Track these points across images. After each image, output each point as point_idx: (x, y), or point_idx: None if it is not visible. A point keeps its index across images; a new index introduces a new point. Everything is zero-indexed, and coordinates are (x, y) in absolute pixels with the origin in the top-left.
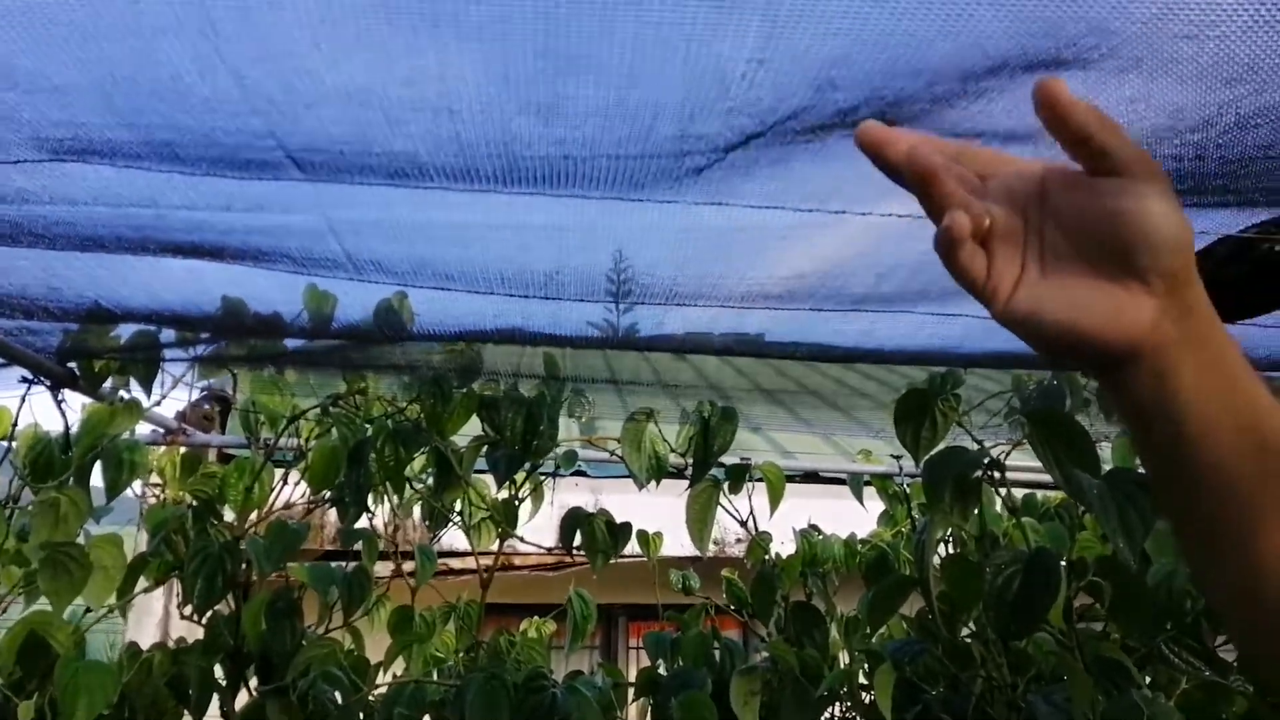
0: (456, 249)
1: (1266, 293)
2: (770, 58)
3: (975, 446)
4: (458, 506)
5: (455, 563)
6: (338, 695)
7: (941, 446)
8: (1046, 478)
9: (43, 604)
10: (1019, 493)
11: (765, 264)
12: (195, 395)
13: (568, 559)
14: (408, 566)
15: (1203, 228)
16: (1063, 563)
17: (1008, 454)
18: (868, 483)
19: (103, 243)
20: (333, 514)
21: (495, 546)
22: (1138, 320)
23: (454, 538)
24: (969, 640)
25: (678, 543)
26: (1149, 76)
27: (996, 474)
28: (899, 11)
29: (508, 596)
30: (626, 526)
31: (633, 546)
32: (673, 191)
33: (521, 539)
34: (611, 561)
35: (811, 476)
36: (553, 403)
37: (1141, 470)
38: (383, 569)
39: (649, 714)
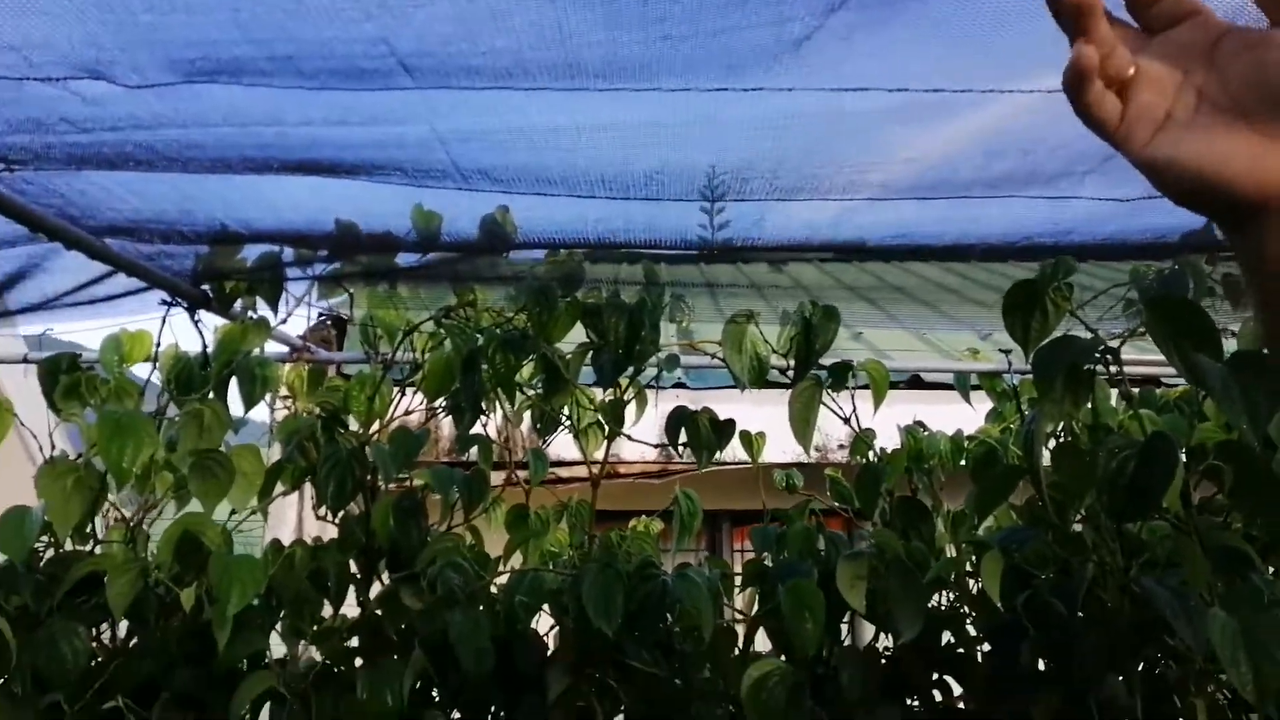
0: (557, 153)
1: None
2: None
3: (1089, 337)
4: (566, 412)
5: (564, 471)
6: (463, 582)
7: (1053, 338)
8: (1165, 370)
9: (193, 508)
10: (1137, 390)
11: (868, 150)
12: (316, 316)
13: (672, 466)
14: (521, 475)
15: None
16: (1181, 452)
17: (1123, 341)
18: (975, 387)
19: (229, 163)
20: (448, 427)
21: (603, 452)
22: (1277, 170)
23: (562, 447)
24: (1080, 528)
25: (780, 449)
26: None
27: (1112, 364)
28: None
29: (615, 503)
30: (730, 423)
31: (737, 453)
32: (773, 73)
33: (629, 437)
34: (716, 467)
35: (916, 382)
36: (653, 308)
37: (1266, 352)
38: (497, 479)
39: (756, 603)
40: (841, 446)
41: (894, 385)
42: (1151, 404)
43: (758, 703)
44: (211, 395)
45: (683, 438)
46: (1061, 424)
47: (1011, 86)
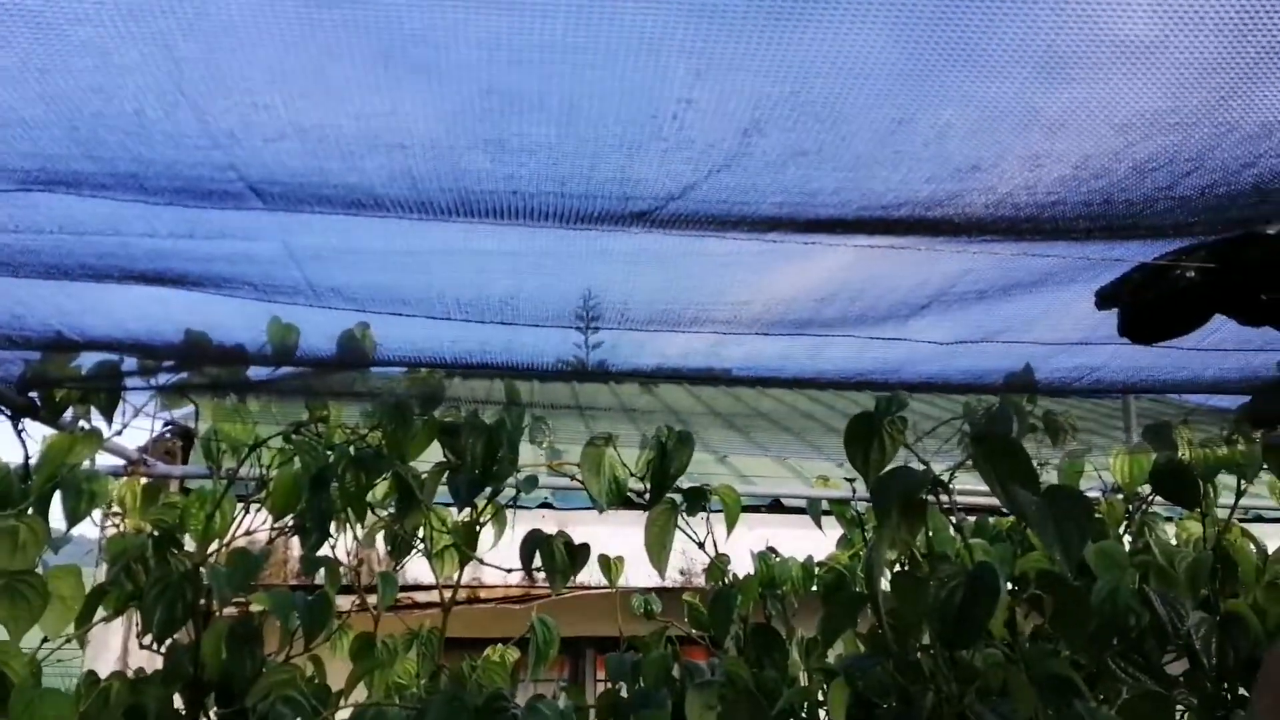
0: (411, 275)
1: (1182, 316)
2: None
3: (923, 468)
4: (420, 533)
5: (420, 596)
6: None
7: (890, 468)
8: (995, 502)
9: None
10: (972, 518)
11: (711, 288)
12: (157, 427)
13: (533, 591)
14: (371, 600)
15: (1119, 255)
16: (1008, 583)
17: (953, 474)
18: (827, 512)
19: (67, 270)
20: (296, 550)
21: (457, 576)
22: None
23: (417, 572)
24: (919, 655)
25: (645, 573)
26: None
27: (943, 494)
28: None
29: (476, 630)
30: (585, 548)
31: (599, 577)
32: (619, 227)
33: (483, 561)
34: (579, 592)
35: (777, 506)
36: (513, 429)
37: (1080, 488)
38: (345, 604)
39: None
40: (705, 569)
41: (755, 509)
42: (985, 533)
43: None
44: (31, 510)
45: (537, 561)
46: (903, 553)
47: (835, 242)
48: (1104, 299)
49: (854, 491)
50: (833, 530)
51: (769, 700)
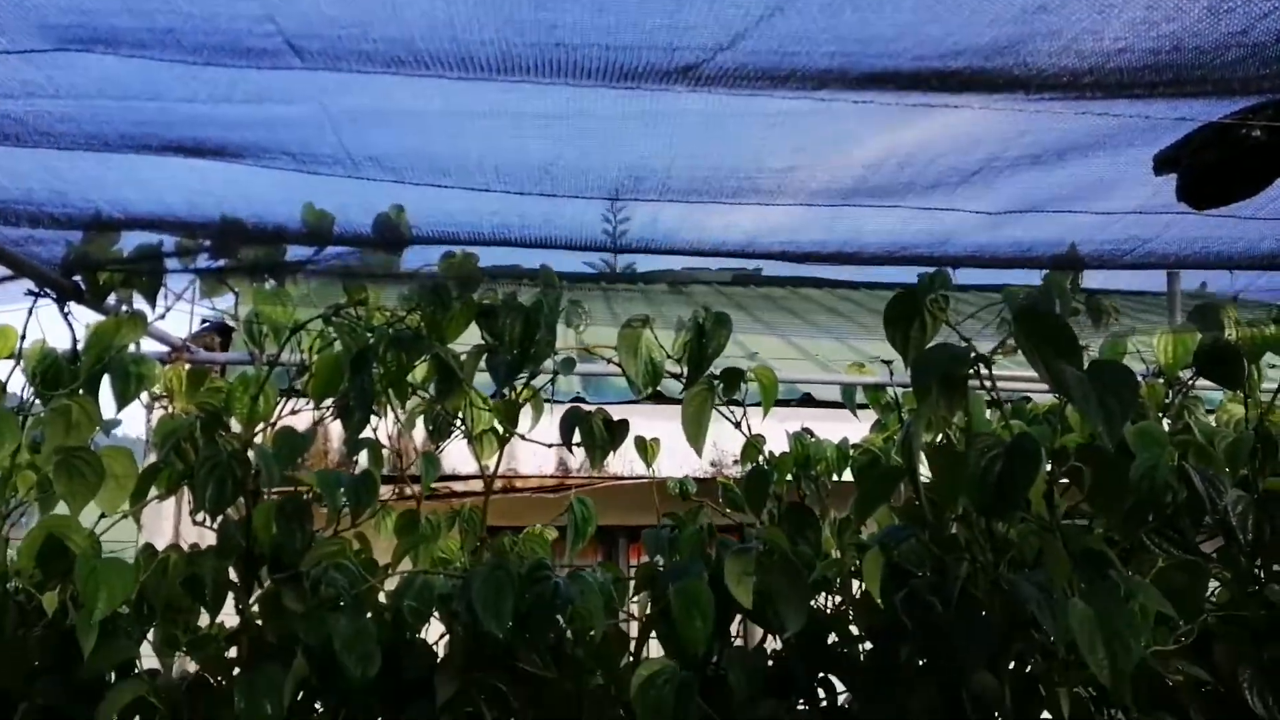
0: (451, 141)
1: (1245, 178)
2: None
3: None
4: (460, 418)
5: (458, 485)
6: (349, 585)
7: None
8: (1035, 387)
9: (60, 512)
10: (1008, 404)
11: (756, 153)
12: (200, 322)
13: (567, 480)
14: (412, 491)
15: (1182, 115)
16: (1047, 460)
17: (995, 351)
18: (863, 405)
19: (106, 140)
20: (335, 441)
21: (496, 460)
22: None
23: (455, 462)
24: (954, 526)
25: (676, 465)
26: None
27: (984, 370)
28: None
29: (511, 519)
30: (624, 424)
31: (633, 468)
32: (664, 85)
33: (524, 437)
34: (612, 482)
35: (808, 401)
36: (550, 310)
37: (1124, 364)
38: (386, 493)
39: (648, 607)
40: (736, 462)
41: (786, 403)
42: (1021, 416)
43: (646, 701)
44: (81, 392)
45: (577, 438)
46: (940, 434)
47: (894, 99)
48: (1162, 163)
49: (891, 373)
50: (866, 423)
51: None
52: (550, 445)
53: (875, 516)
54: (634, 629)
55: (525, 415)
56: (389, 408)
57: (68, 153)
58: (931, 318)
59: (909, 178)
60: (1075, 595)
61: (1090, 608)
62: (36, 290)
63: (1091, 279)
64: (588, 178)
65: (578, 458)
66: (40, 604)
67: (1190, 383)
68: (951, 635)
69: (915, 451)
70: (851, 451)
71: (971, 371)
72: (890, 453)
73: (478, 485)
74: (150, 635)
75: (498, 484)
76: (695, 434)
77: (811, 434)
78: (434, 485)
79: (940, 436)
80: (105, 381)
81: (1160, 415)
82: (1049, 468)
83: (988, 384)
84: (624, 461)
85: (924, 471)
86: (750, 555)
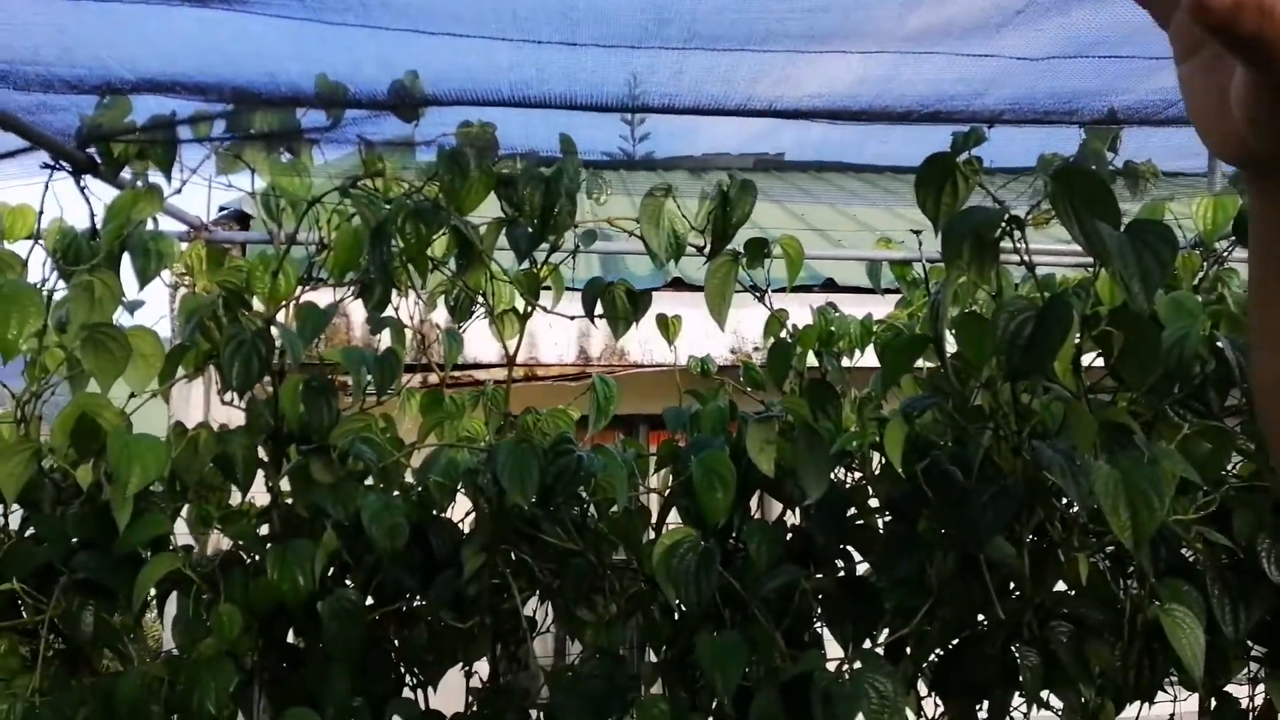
0: None
1: None
2: None
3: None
4: (481, 298)
5: (480, 374)
6: (376, 458)
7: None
8: (1067, 260)
9: (90, 391)
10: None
11: None
12: (215, 205)
13: (588, 369)
14: (434, 378)
15: None
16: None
17: (1029, 213)
18: (888, 290)
19: None
20: (357, 327)
21: (517, 342)
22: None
23: (476, 351)
24: (978, 396)
25: (697, 351)
26: None
27: (1017, 234)
28: None
29: (532, 406)
30: (646, 295)
31: (653, 355)
32: None
33: (545, 309)
34: (631, 371)
35: (831, 286)
36: (570, 178)
37: (1164, 222)
38: (409, 379)
39: (670, 482)
40: (757, 349)
41: (808, 289)
42: (1050, 289)
43: (668, 569)
44: (102, 267)
45: (599, 310)
46: (967, 304)
47: None
48: None
49: (920, 243)
50: (890, 307)
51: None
52: (573, 318)
53: (898, 390)
54: (656, 507)
55: (546, 302)
56: (409, 287)
57: (73, 4)
58: (964, 180)
59: (947, 18)
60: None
61: (1115, 469)
62: (52, 163)
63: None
64: (609, 22)
65: (598, 346)
66: (76, 482)
67: (1227, 252)
68: (971, 503)
69: (943, 317)
70: (875, 328)
71: (1005, 234)
72: (915, 328)
73: (500, 374)
74: (184, 513)
75: (519, 373)
76: (718, 307)
77: (835, 308)
78: (456, 374)
79: (969, 304)
80: (126, 265)
81: (1194, 287)
82: (1077, 339)
83: (1020, 248)
84: (644, 349)
85: (949, 346)
86: (772, 424)
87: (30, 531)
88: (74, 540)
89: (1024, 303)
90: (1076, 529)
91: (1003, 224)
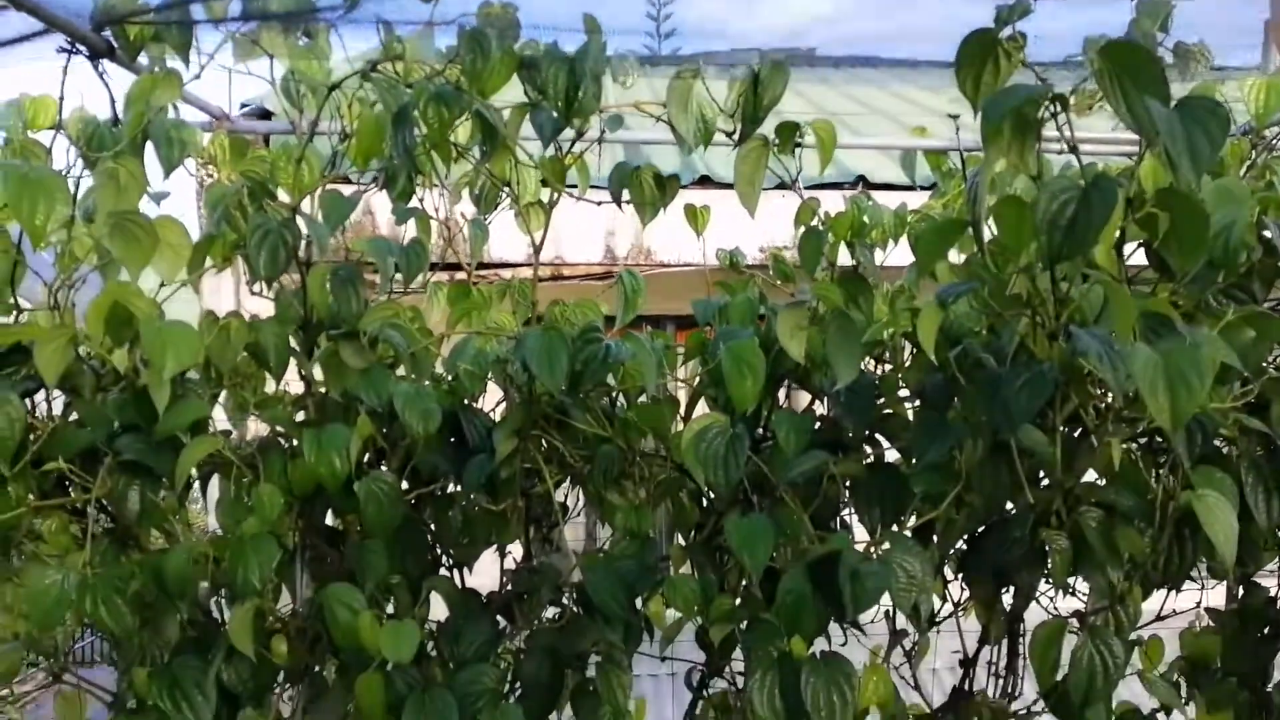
0: None
1: None
2: None
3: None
4: (505, 200)
5: (506, 274)
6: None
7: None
8: (1111, 149)
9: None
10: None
11: None
12: (240, 106)
13: (614, 269)
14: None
15: None
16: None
17: (1074, 92)
18: (925, 186)
19: None
20: (384, 223)
21: (543, 233)
22: None
23: (504, 250)
24: (1015, 283)
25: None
26: None
27: (1060, 111)
28: None
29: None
30: (674, 178)
31: (681, 254)
32: None
33: (578, 197)
34: (658, 270)
35: (863, 184)
36: (595, 58)
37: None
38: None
39: (698, 374)
40: (786, 248)
41: (838, 186)
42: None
43: (697, 453)
44: (126, 155)
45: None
46: (1006, 188)
47: None
48: None
49: (957, 128)
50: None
51: None
52: (600, 203)
53: (930, 284)
54: (684, 399)
55: (575, 216)
56: (434, 178)
57: None
58: (1006, 57)
59: None
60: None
61: (1155, 351)
62: (69, 46)
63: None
64: None
65: (624, 245)
66: (114, 368)
67: (1278, 138)
68: (1005, 388)
69: (981, 199)
70: (909, 218)
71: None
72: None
73: (526, 274)
74: (221, 401)
75: (545, 272)
76: (749, 193)
77: (870, 197)
78: (482, 272)
79: (1008, 187)
80: (151, 157)
81: (1242, 175)
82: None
83: (1063, 130)
84: (672, 249)
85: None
86: (804, 309)
87: (74, 417)
88: (116, 425)
89: (1067, 182)
90: (1111, 415)
91: (1046, 102)
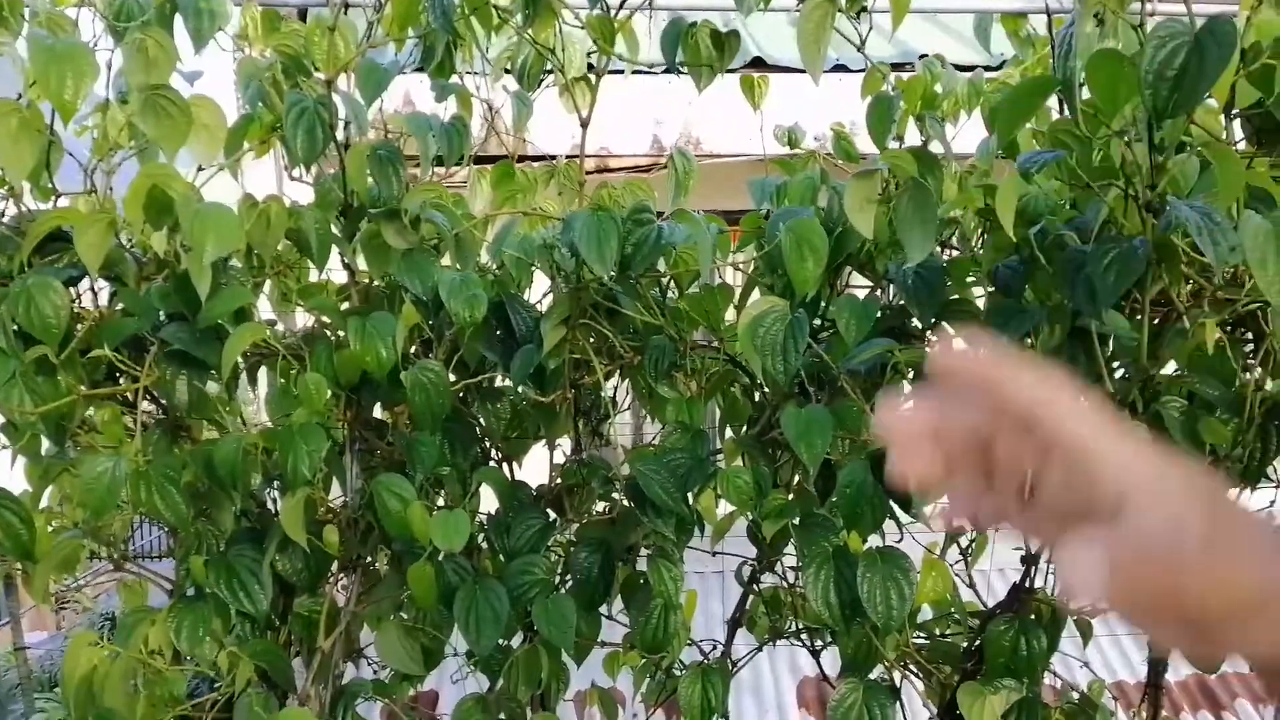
0: None
1: None
2: None
3: None
4: (548, 77)
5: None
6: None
7: None
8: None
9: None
10: None
11: None
12: None
13: (660, 160)
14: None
15: None
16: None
17: None
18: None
19: None
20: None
21: (590, 107)
22: None
23: (546, 141)
24: (1105, 149)
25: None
26: None
27: None
28: None
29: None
30: (734, 35)
31: (729, 145)
32: None
33: (620, 57)
34: (706, 161)
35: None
36: None
37: None
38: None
39: (754, 259)
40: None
41: (901, 67)
42: None
43: (754, 339)
44: (154, 25)
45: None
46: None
47: None
48: None
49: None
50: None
51: None
52: (650, 68)
53: (1010, 153)
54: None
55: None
56: (472, 50)
57: None
58: None
59: None
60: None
61: (1266, 220)
62: None
63: None
64: None
65: (671, 135)
66: (156, 258)
67: None
68: (1088, 268)
69: (1078, 50)
70: (985, 86)
71: None
72: None
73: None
74: (265, 291)
75: (590, 164)
76: (813, 57)
77: (943, 61)
78: (523, 165)
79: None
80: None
81: None
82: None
83: None
84: (722, 140)
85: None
86: (875, 177)
87: (119, 306)
88: (161, 314)
89: (1178, 26)
90: (1206, 292)
91: None
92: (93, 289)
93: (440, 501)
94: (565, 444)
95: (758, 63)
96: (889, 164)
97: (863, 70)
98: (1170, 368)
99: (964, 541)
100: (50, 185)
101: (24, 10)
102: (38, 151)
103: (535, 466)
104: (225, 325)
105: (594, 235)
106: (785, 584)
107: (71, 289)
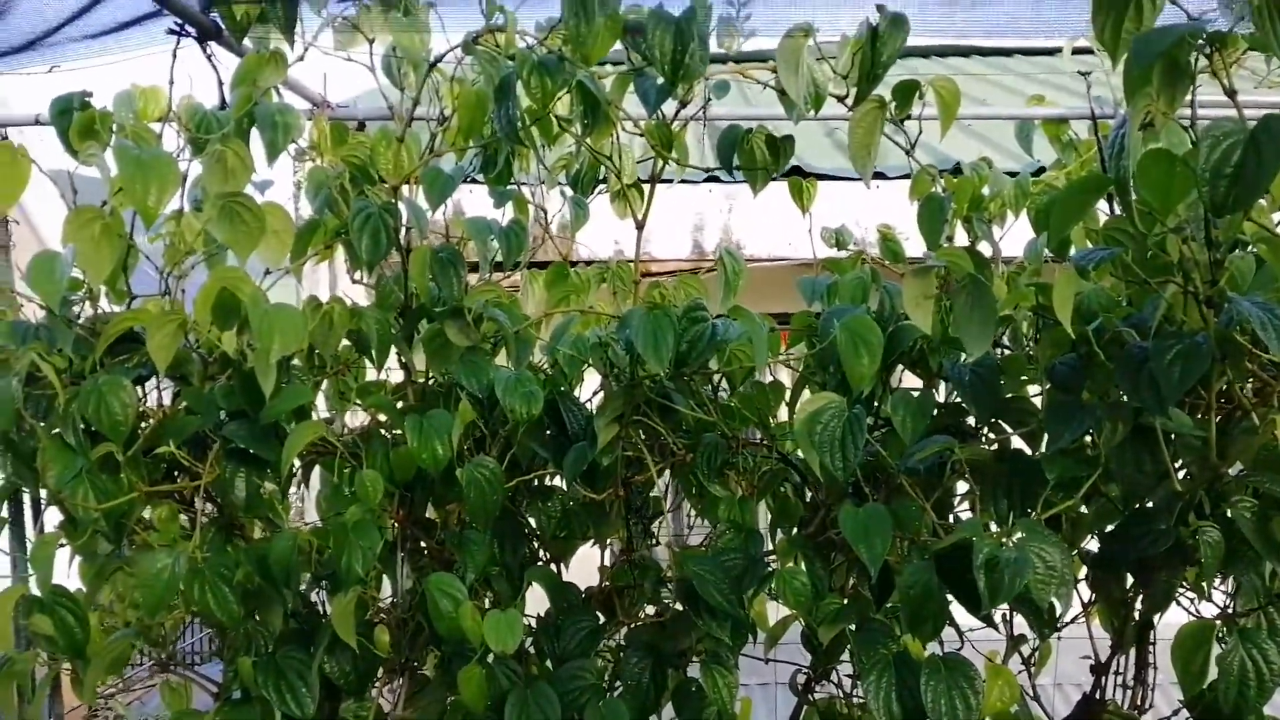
0: None
1: None
2: None
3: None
4: (603, 174)
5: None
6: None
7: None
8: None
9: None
10: None
11: None
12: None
13: (702, 263)
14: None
15: None
16: None
17: (1232, 28)
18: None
19: None
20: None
21: (645, 209)
22: None
23: (594, 246)
24: (1162, 245)
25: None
26: None
27: (1215, 52)
28: None
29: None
30: (789, 140)
31: (771, 249)
32: None
33: (679, 163)
34: (754, 263)
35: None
36: (703, 19)
37: None
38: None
39: (805, 355)
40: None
41: (942, 173)
42: None
43: (811, 436)
44: (233, 137)
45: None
46: (1162, 126)
47: None
48: None
49: (1089, 85)
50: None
51: None
52: (705, 174)
53: (1060, 253)
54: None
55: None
56: (530, 159)
57: None
58: (1150, 1)
59: None
60: None
61: None
62: (177, 28)
63: None
64: None
65: (712, 239)
66: (221, 356)
67: None
68: (1151, 364)
69: (1131, 149)
70: (1033, 188)
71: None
72: None
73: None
74: (323, 390)
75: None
76: (864, 160)
77: (990, 164)
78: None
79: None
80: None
81: None
82: None
83: (1221, 77)
84: (762, 244)
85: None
86: (932, 274)
87: (183, 405)
88: (223, 413)
89: (1232, 124)
90: (1276, 392)
91: (1202, 39)
92: (158, 388)
93: (487, 603)
94: (613, 544)
95: (795, 171)
96: (944, 261)
97: (900, 177)
98: (1235, 467)
99: (1026, 650)
100: (126, 288)
101: (112, 123)
102: (117, 256)
103: (579, 567)
104: (284, 424)
105: (650, 332)
106: (841, 693)
107: (138, 388)
